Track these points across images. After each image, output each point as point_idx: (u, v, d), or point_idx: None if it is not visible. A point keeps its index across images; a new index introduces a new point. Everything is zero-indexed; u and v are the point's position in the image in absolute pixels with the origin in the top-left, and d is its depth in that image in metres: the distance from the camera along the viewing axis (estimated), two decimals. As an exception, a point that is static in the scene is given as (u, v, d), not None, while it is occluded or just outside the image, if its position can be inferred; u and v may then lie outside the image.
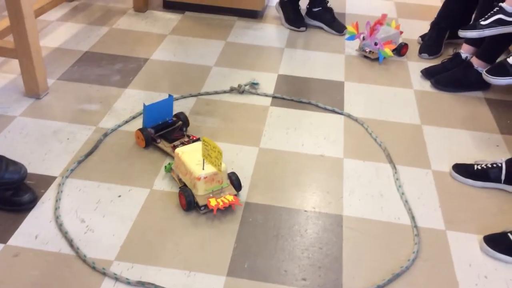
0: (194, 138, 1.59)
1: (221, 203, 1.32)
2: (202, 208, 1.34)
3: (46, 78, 1.83)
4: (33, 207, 1.33)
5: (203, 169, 1.34)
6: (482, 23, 1.85)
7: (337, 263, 1.24)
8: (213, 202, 1.32)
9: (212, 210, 1.34)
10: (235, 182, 1.41)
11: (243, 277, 1.18)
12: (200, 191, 1.34)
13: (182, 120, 1.66)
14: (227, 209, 1.37)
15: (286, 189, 1.47)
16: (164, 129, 1.61)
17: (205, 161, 1.35)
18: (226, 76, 2.05)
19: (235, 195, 1.38)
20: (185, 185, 1.39)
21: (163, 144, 1.57)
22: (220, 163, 1.31)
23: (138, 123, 1.70)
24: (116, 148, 1.59)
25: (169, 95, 1.63)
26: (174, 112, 1.68)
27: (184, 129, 1.66)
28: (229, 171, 1.43)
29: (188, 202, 1.34)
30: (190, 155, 1.39)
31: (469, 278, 1.22)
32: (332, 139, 1.70)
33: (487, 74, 1.75)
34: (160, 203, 1.38)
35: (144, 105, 1.56)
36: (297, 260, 1.24)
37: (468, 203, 1.45)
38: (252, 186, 1.46)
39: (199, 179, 1.33)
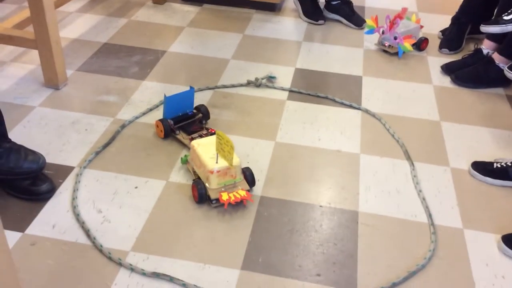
0: (212, 131, 1.59)
1: (232, 198, 1.32)
2: (214, 201, 1.34)
3: (65, 69, 1.85)
4: (50, 197, 1.35)
5: (217, 162, 1.34)
6: (505, 18, 1.81)
7: (352, 260, 1.23)
8: (224, 197, 1.32)
9: (223, 204, 1.34)
10: (248, 177, 1.40)
11: (257, 271, 1.19)
12: (212, 185, 1.34)
13: (203, 112, 1.66)
14: (242, 203, 1.37)
15: (302, 184, 1.46)
16: (183, 121, 1.62)
17: (218, 155, 1.35)
18: (243, 69, 2.04)
19: (248, 190, 1.37)
20: (199, 177, 1.39)
21: (181, 136, 1.58)
22: (232, 158, 1.31)
23: (156, 115, 1.71)
24: (133, 140, 1.60)
25: (190, 87, 1.63)
26: (195, 105, 1.69)
27: (204, 122, 1.67)
28: (244, 166, 1.43)
29: (200, 194, 1.34)
30: (205, 148, 1.39)
31: (486, 277, 1.20)
32: (348, 134, 1.69)
33: (508, 70, 1.72)
34: (175, 195, 1.39)
35: (165, 96, 1.58)
36: (311, 255, 1.24)
37: (487, 201, 1.43)
38: (268, 180, 1.46)
39: (211, 172, 1.33)
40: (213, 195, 1.34)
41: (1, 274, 0.78)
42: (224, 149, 1.32)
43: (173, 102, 1.60)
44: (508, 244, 1.26)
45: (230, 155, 1.31)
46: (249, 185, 1.39)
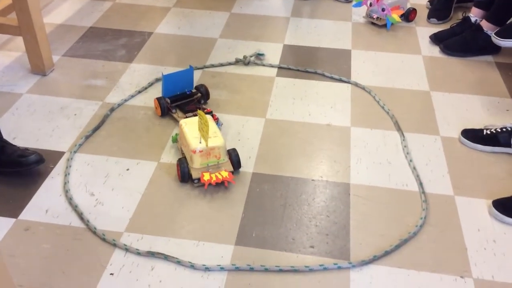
0: (209, 111, 1.58)
1: (214, 178, 1.31)
2: (196, 181, 1.34)
3: (51, 54, 1.83)
4: (38, 166, 1.36)
5: (200, 142, 1.33)
6: (492, -16, 1.80)
7: (344, 231, 1.24)
8: (206, 177, 1.31)
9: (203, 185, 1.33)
10: (234, 158, 1.38)
11: (251, 246, 1.20)
12: (195, 164, 1.34)
13: (202, 92, 1.66)
14: (235, 179, 1.37)
15: (293, 159, 1.46)
16: (181, 100, 1.62)
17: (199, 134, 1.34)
18: (232, 47, 2.03)
19: (231, 172, 1.35)
20: (184, 157, 1.39)
21: (177, 115, 1.58)
22: (207, 139, 1.31)
23: (145, 97, 1.70)
24: (123, 123, 1.59)
25: (190, 66, 1.63)
26: (196, 84, 1.69)
27: (203, 101, 1.66)
28: (234, 145, 1.43)
29: (182, 173, 1.34)
30: (192, 127, 1.38)
31: (477, 242, 1.22)
32: (339, 108, 1.69)
33: (496, 37, 1.72)
34: (167, 175, 1.39)
35: (163, 74, 1.58)
36: (304, 228, 1.25)
37: (477, 168, 1.44)
38: (259, 157, 1.47)
39: (194, 152, 1.32)
40: (195, 175, 1.33)
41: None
42: (203, 129, 1.31)
43: (171, 81, 1.60)
44: (499, 209, 1.28)
45: (207, 135, 1.31)
46: (233, 166, 1.37)
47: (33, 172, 1.37)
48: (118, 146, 1.49)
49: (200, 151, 1.33)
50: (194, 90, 1.67)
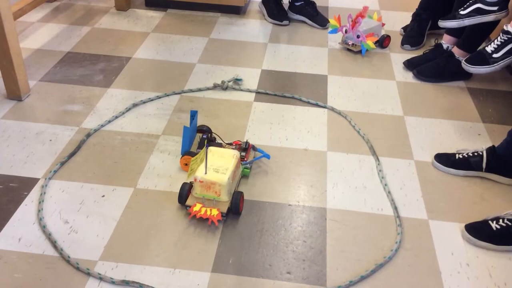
0: (237, 143, 1.54)
1: (201, 212, 1.29)
2: (187, 207, 1.34)
3: (27, 80, 1.82)
4: None
5: (205, 173, 1.32)
6: (461, 12, 1.86)
7: (321, 256, 1.25)
8: (196, 207, 1.30)
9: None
10: (233, 204, 1.32)
11: (228, 273, 1.19)
12: (195, 191, 1.33)
13: (207, 130, 1.61)
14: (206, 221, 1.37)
15: (270, 184, 1.47)
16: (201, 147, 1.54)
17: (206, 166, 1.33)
18: (210, 72, 2.05)
19: (223, 214, 1.31)
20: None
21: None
22: (189, 173, 1.36)
23: (121, 122, 1.70)
24: (99, 148, 1.58)
25: (191, 111, 1.56)
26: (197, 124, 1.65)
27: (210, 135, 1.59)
28: (237, 191, 1.37)
29: (179, 195, 1.34)
30: (212, 156, 1.37)
31: (451, 266, 1.23)
32: (315, 132, 1.71)
33: (466, 63, 1.77)
34: (144, 202, 1.38)
35: (184, 128, 1.48)
36: (281, 254, 1.25)
37: (450, 192, 1.47)
38: (236, 182, 1.47)
39: (195, 179, 1.32)
40: (189, 201, 1.33)
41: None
42: (197, 162, 1.34)
43: (189, 133, 1.50)
44: (472, 233, 1.30)
45: (196, 168, 1.35)
46: (228, 211, 1.32)
47: (6, 200, 1.35)
48: (94, 172, 1.48)
49: (201, 181, 1.31)
50: (203, 136, 1.57)
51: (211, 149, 1.40)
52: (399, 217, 1.36)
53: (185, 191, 1.34)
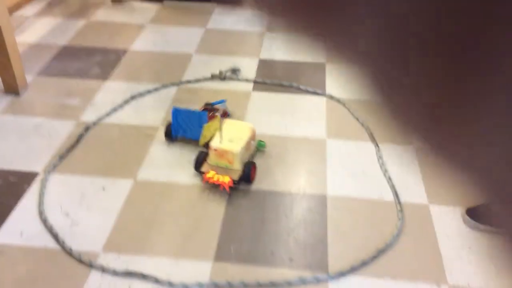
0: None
1: (214, 178, 1.35)
2: (202, 173, 1.39)
3: (24, 74, 1.81)
4: None
5: (220, 142, 1.38)
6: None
7: (322, 243, 1.25)
8: (209, 174, 1.36)
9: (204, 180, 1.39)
10: (244, 172, 1.37)
11: (230, 261, 1.19)
12: (209, 159, 1.40)
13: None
14: (213, 194, 1.37)
15: (271, 173, 1.47)
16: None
17: (222, 135, 1.40)
18: (207, 63, 2.04)
19: (234, 181, 1.35)
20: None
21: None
22: (203, 140, 1.43)
23: (119, 114, 1.70)
24: (98, 141, 1.58)
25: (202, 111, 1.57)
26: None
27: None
28: (248, 160, 1.43)
29: (195, 161, 1.41)
30: (229, 127, 1.44)
31: (452, 250, 1.24)
32: (314, 120, 1.71)
33: None
34: (144, 193, 1.39)
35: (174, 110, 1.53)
36: (283, 241, 1.25)
37: (450, 176, 1.47)
38: (236, 171, 1.47)
39: (210, 148, 1.39)
40: (203, 168, 1.40)
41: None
42: (211, 130, 1.42)
43: (180, 116, 1.53)
44: (472, 216, 1.30)
45: (210, 136, 1.42)
46: (239, 179, 1.36)
47: (7, 194, 1.35)
48: (94, 165, 1.48)
49: (215, 150, 1.38)
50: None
51: (228, 121, 1.48)
52: (400, 202, 1.36)
53: (201, 159, 1.41)
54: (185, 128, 1.55)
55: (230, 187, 1.35)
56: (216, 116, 1.47)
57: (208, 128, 1.45)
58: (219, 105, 1.63)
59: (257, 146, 1.52)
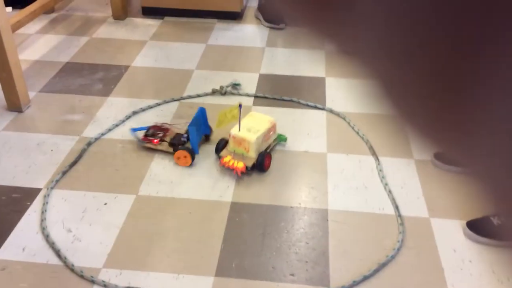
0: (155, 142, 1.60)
1: (230, 163, 1.47)
2: (220, 157, 1.51)
3: (27, 91, 1.83)
4: None
5: (239, 130, 1.50)
6: None
7: (323, 257, 1.25)
8: (226, 159, 1.49)
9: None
10: (258, 161, 1.48)
11: (232, 276, 1.20)
12: (229, 146, 1.52)
13: (175, 145, 1.58)
14: (214, 209, 1.38)
15: (272, 187, 1.48)
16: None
17: (240, 125, 1.50)
18: (208, 78, 2.06)
19: (247, 168, 1.47)
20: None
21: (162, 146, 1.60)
22: (218, 124, 1.50)
23: (122, 130, 1.71)
24: (100, 157, 1.59)
25: (200, 108, 1.61)
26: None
27: (180, 147, 1.57)
28: (264, 150, 1.52)
29: (216, 147, 1.56)
30: (250, 118, 1.56)
31: (454, 263, 1.24)
32: (315, 134, 1.72)
33: None
34: (146, 208, 1.39)
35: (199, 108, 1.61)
36: (284, 256, 1.26)
37: (450, 189, 1.48)
38: (238, 186, 1.48)
39: (229, 135, 1.51)
40: (222, 153, 1.52)
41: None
42: (227, 115, 1.49)
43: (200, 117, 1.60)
44: (473, 229, 1.30)
45: (219, 122, 1.49)
46: (253, 166, 1.48)
47: (9, 210, 1.36)
48: (96, 181, 1.49)
49: (233, 137, 1.49)
50: (183, 141, 1.59)
51: (252, 113, 1.60)
52: (401, 216, 1.37)
53: (221, 145, 1.55)
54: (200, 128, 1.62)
55: (242, 173, 1.47)
56: (237, 104, 1.50)
57: (224, 114, 1.50)
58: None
59: (278, 139, 1.63)
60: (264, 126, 1.53)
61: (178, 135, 1.61)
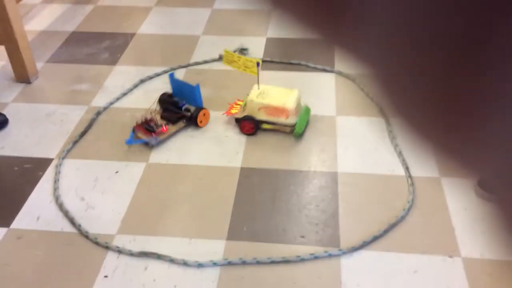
0: (163, 130, 1.51)
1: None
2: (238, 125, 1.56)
3: (34, 62, 1.83)
4: (4, 127, 1.57)
5: (258, 88, 1.54)
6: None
7: (333, 219, 1.26)
8: (233, 110, 1.56)
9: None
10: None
11: (243, 240, 1.21)
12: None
13: (192, 114, 1.55)
14: (224, 175, 1.38)
15: (281, 151, 1.48)
16: (171, 105, 1.57)
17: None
18: (215, 44, 2.03)
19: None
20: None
21: (151, 112, 1.57)
22: (224, 61, 1.54)
23: (130, 99, 1.71)
24: (109, 126, 1.60)
25: (196, 85, 1.57)
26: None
27: (185, 122, 1.55)
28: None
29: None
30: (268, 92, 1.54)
31: (465, 221, 1.24)
32: (324, 98, 1.70)
33: None
34: (156, 175, 1.40)
35: (170, 74, 1.60)
36: (294, 219, 1.26)
37: (461, 147, 1.46)
38: (248, 150, 1.48)
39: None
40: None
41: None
42: (239, 61, 1.51)
43: (177, 85, 1.59)
44: (484, 188, 1.29)
45: (229, 63, 1.53)
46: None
47: (22, 180, 1.38)
48: (106, 149, 1.50)
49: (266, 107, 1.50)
50: (189, 107, 1.57)
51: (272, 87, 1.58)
52: (411, 176, 1.36)
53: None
54: (184, 95, 1.59)
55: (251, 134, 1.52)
56: (254, 61, 1.49)
57: (233, 55, 1.52)
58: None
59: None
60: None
61: (166, 111, 1.56)
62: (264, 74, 1.83)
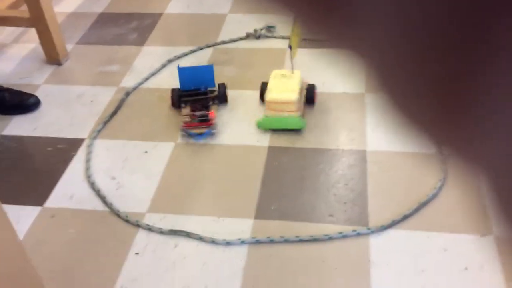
0: (211, 115, 1.49)
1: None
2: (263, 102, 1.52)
3: (64, 44, 1.86)
4: (36, 109, 1.61)
5: (292, 70, 1.53)
6: None
7: (362, 197, 1.25)
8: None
9: None
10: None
11: (271, 218, 1.21)
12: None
13: (219, 92, 1.56)
14: (252, 154, 1.38)
15: (310, 130, 1.46)
16: (193, 96, 1.54)
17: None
18: (242, 22, 2.01)
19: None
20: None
21: (184, 111, 1.52)
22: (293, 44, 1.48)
23: (158, 79, 1.72)
24: (138, 106, 1.61)
25: (210, 65, 1.57)
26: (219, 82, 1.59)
27: (217, 101, 1.56)
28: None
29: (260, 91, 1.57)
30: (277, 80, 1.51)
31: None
32: (353, 75, 1.67)
33: None
34: (185, 155, 1.41)
35: (178, 67, 1.55)
36: (323, 198, 1.26)
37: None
38: (275, 130, 1.47)
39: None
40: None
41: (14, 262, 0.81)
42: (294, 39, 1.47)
43: (187, 74, 1.54)
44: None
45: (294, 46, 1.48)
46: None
47: (55, 161, 1.42)
48: (136, 130, 1.52)
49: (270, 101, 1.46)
50: (210, 89, 1.56)
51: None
52: (443, 154, 1.33)
53: (263, 89, 1.51)
54: (195, 82, 1.55)
55: None
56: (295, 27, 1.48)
57: (294, 35, 1.50)
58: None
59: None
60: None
61: (192, 104, 1.53)
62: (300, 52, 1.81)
